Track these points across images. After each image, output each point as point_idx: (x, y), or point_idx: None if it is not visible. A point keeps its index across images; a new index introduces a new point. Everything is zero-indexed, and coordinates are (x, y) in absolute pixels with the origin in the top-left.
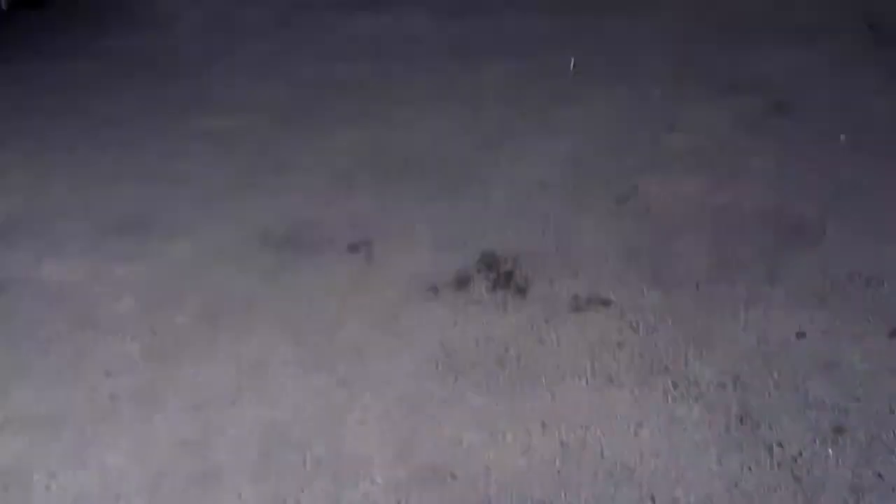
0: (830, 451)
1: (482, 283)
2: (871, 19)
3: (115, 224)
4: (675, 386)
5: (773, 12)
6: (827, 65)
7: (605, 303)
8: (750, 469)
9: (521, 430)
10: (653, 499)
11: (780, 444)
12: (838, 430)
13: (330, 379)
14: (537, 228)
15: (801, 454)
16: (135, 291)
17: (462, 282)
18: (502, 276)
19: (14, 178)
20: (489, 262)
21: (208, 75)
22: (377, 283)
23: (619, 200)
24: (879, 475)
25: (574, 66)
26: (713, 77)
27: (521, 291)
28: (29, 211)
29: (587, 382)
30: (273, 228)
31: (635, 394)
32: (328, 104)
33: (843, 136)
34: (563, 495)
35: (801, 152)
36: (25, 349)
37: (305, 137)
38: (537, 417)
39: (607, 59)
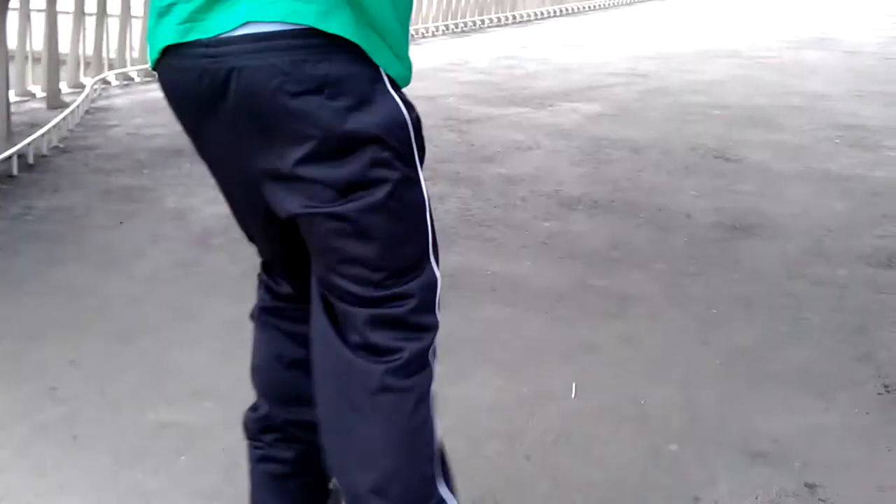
0: None
1: None
2: (887, 378)
3: None
4: None
5: (775, 351)
6: (853, 438)
7: None
8: None
9: None
10: None
11: None
12: None
13: None
14: None
15: None
16: None
17: None
18: None
19: None
20: None
21: (167, 343)
22: None
23: None
24: None
25: (575, 392)
26: (729, 435)
27: None
28: None
29: None
30: None
31: None
32: None
33: None
34: None
35: None
36: None
37: None
38: None
39: (611, 390)
